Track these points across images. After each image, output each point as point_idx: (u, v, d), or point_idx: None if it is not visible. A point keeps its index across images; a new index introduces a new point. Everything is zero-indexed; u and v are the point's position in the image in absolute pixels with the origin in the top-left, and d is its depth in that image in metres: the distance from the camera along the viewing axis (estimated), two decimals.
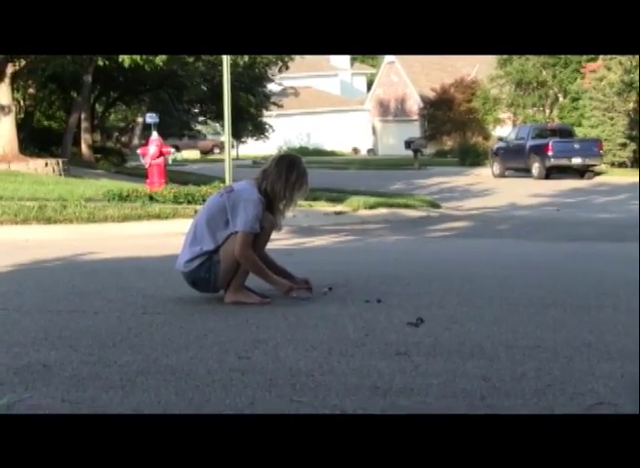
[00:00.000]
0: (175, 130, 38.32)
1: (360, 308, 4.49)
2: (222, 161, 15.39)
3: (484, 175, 28.19)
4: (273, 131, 39.43)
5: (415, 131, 44.88)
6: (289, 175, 4.65)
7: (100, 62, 22.82)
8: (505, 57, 35.72)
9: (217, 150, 51.75)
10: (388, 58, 47.82)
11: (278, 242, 7.97)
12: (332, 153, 48.91)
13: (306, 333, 3.90)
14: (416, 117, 47.23)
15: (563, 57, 34.50)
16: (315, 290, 4.91)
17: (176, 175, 19.15)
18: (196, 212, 9.78)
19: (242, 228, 4.50)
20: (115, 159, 30.16)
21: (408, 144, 33.81)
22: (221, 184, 13.00)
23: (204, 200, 11.18)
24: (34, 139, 26.12)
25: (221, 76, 14.34)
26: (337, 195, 15.90)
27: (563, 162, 25.98)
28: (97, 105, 32.42)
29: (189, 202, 12.69)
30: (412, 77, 46.85)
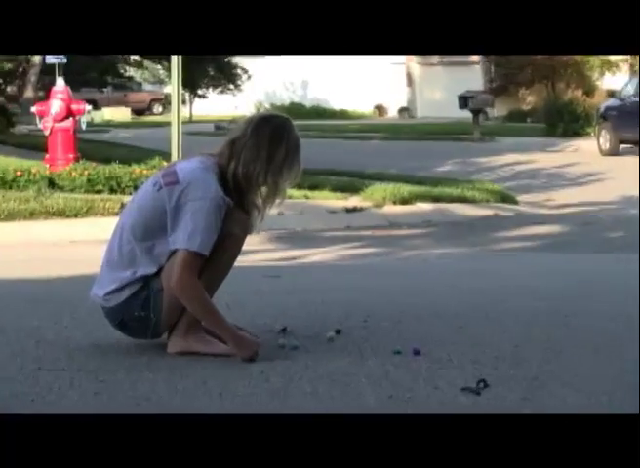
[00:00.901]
0: (93, 76, 38.45)
1: (387, 364, 4.49)
2: (167, 125, 15.41)
3: (585, 151, 28.25)
4: (248, 78, 39.63)
5: (475, 81, 44.98)
6: (274, 149, 4.65)
7: None
8: None
9: (158, 108, 51.93)
10: None
11: (255, 255, 7.97)
12: (342, 114, 49.07)
13: (300, 405, 3.90)
14: (476, 59, 47.33)
15: None
16: (315, 333, 4.90)
17: (92, 148, 19.18)
18: (123, 206, 9.82)
19: (185, 246, 4.49)
20: None
21: (464, 101, 33.87)
22: (164, 163, 13.01)
23: (136, 188, 11.21)
24: None
25: None
26: (349, 181, 15.97)
27: None
28: None
29: (113, 190, 12.76)
30: None
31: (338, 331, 5.02)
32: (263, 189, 4.71)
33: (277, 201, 4.79)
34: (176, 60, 13.45)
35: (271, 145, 4.65)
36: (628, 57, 40.11)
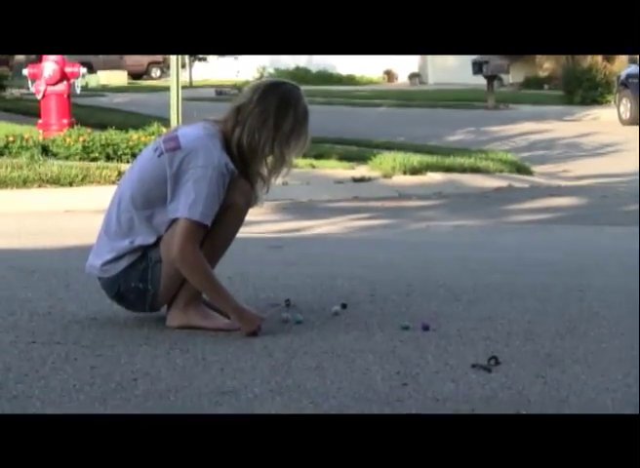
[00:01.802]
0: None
1: (394, 339, 4.52)
2: (166, 90, 15.40)
3: (605, 121, 28.18)
4: None
5: None
6: (281, 118, 4.63)
7: None
8: None
9: (156, 72, 51.79)
10: None
11: (259, 226, 8.00)
12: (349, 80, 48.93)
13: (304, 381, 3.92)
14: None
15: None
16: (320, 307, 4.93)
17: (87, 113, 19.18)
18: (120, 174, 9.82)
19: (186, 215, 4.50)
20: None
21: (478, 67, 33.77)
22: (164, 129, 13.01)
23: (134, 155, 11.24)
24: None
25: None
26: (357, 150, 15.98)
27: None
28: None
29: (109, 158, 12.77)
30: None
31: (344, 306, 5.04)
32: (269, 159, 4.70)
33: (283, 171, 4.78)
34: None
35: (279, 113, 4.63)
36: None
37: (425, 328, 4.69)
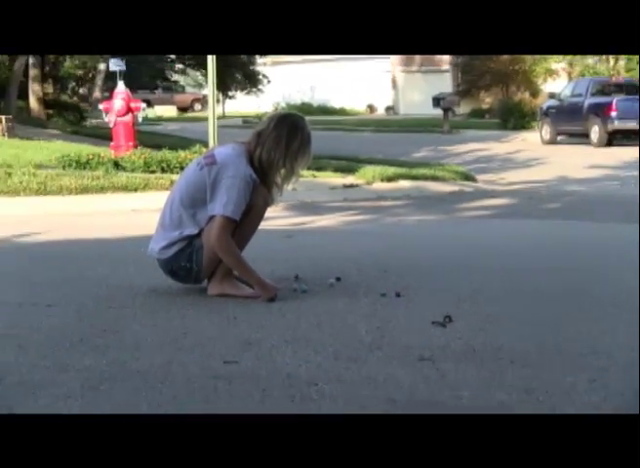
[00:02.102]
0: (146, 80, 38.30)
1: (375, 304, 4.53)
2: (205, 120, 15.39)
3: (531, 141, 28.13)
4: (269, 82, 39.40)
5: (445, 85, 44.74)
6: (291, 140, 4.64)
7: None
8: None
9: (198, 106, 51.67)
10: None
11: (274, 221, 8.01)
12: (341, 111, 48.81)
13: (308, 334, 3.93)
14: (447, 68, 47.05)
15: None
16: (320, 280, 4.94)
17: (147, 137, 19.16)
18: (172, 183, 9.85)
19: (221, 212, 4.52)
20: (72, 116, 30.15)
21: (437, 101, 33.72)
22: (204, 149, 13.01)
23: (182, 168, 11.24)
24: None
25: None
26: (347, 164, 15.93)
27: (629, 125, 25.81)
28: None
29: (164, 170, 12.74)
30: None
31: (337, 279, 5.05)
32: (282, 171, 4.71)
33: (293, 180, 4.79)
34: (211, 68, 13.43)
35: (289, 137, 4.65)
36: (565, 65, 39.85)
37: (398, 294, 4.70)
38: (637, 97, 26.85)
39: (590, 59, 37.70)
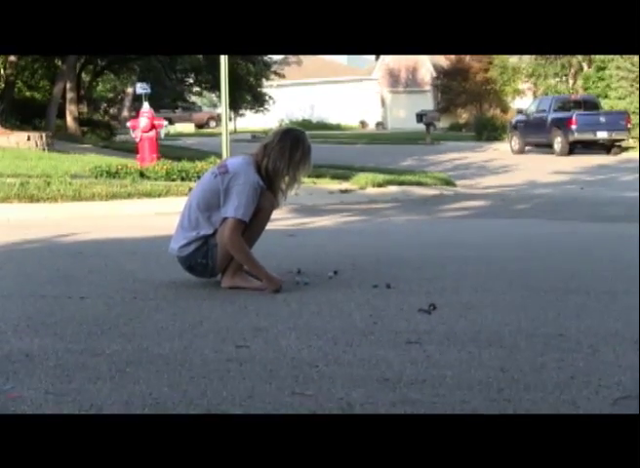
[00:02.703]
0: (167, 101, 38.28)
1: (368, 294, 4.49)
2: (219, 135, 15.37)
3: (502, 151, 28.14)
4: (274, 102, 39.38)
5: (427, 103, 44.76)
6: (293, 152, 4.62)
7: None
8: None
9: (213, 123, 51.70)
10: None
11: (279, 222, 7.98)
12: (337, 127, 48.82)
13: (310, 321, 3.90)
14: (428, 88, 47.07)
15: None
16: (320, 274, 4.91)
17: (168, 150, 19.13)
18: (190, 189, 9.81)
19: (233, 215, 4.49)
20: (103, 132, 30.14)
21: (420, 117, 33.73)
22: (218, 160, 12.97)
23: (199, 177, 11.17)
24: (16, 111, 26.09)
25: None
26: (342, 172, 15.89)
27: (588, 136, 25.88)
28: (83, 74, 32.37)
29: (183, 179, 12.70)
30: None
31: (335, 272, 5.02)
32: (286, 178, 4.68)
33: (295, 187, 4.77)
34: (224, 90, 13.40)
35: (292, 149, 4.62)
36: (531, 85, 39.87)
37: (388, 286, 4.67)
38: (594, 112, 26.91)
39: (552, 80, 37.70)
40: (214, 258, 4.60)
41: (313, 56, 53.39)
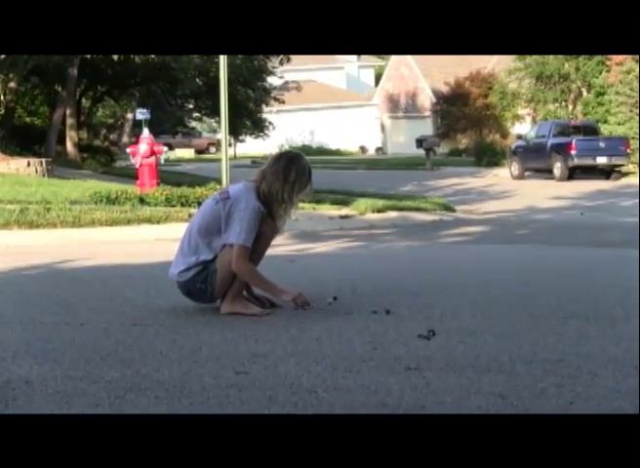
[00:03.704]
0: (167, 127, 38.40)
1: (367, 320, 4.49)
2: (219, 161, 15.41)
3: (502, 176, 28.18)
4: (274, 128, 39.48)
5: (427, 128, 44.89)
6: (287, 173, 4.63)
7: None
8: None
9: (213, 149, 51.81)
10: None
11: (279, 248, 7.99)
12: (337, 152, 48.94)
13: (309, 347, 3.90)
14: (428, 113, 47.22)
15: None
16: (319, 299, 4.91)
17: (168, 176, 19.17)
18: (190, 215, 9.84)
19: (236, 241, 4.52)
20: (103, 158, 30.22)
21: (419, 143, 33.82)
22: (218, 186, 13.03)
23: (199, 203, 11.21)
24: (15, 137, 26.18)
25: (218, 69, 14.37)
26: (342, 197, 15.91)
27: (587, 162, 25.95)
28: (83, 100, 32.49)
29: (183, 205, 12.72)
30: (424, 70, 46.89)
31: (334, 298, 5.00)
32: (283, 202, 4.67)
33: (294, 211, 4.78)
34: (224, 116, 13.45)
35: (285, 171, 4.64)
36: (530, 111, 40.00)
37: (387, 312, 4.65)
38: (594, 137, 27.00)
39: (552, 105, 37.83)
40: (213, 284, 4.61)
41: (313, 82, 53.65)
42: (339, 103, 53.05)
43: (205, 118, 41.16)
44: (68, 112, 27.67)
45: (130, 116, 36.94)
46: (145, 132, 14.27)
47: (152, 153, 14.16)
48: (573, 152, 25.77)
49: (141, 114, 14.75)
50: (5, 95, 27.87)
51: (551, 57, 36.01)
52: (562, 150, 26.07)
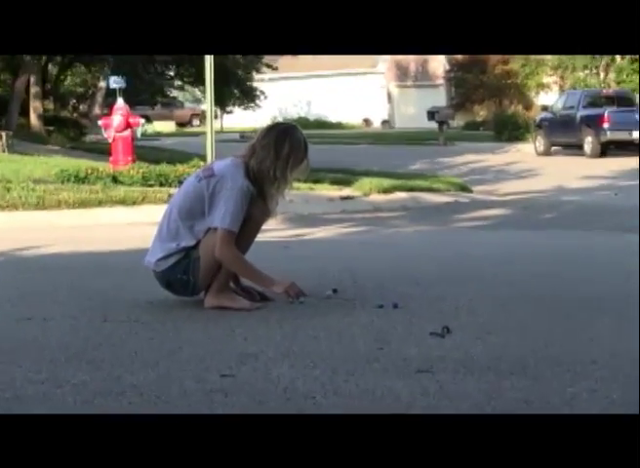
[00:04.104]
0: (145, 96, 38.33)
1: (372, 315, 4.47)
2: (203, 134, 15.38)
3: (525, 153, 28.20)
4: (265, 98, 39.47)
5: (440, 98, 44.88)
6: (279, 147, 4.60)
7: None
8: None
9: (196, 121, 51.81)
10: None
11: (272, 233, 7.96)
12: (338, 125, 48.93)
13: (306, 346, 3.88)
14: (441, 82, 47.24)
15: None
16: (317, 292, 4.89)
17: (146, 152, 19.15)
18: (170, 196, 9.80)
19: (220, 225, 4.50)
20: (71, 132, 30.18)
21: (431, 115, 33.80)
22: (202, 163, 13.01)
23: (180, 182, 11.19)
24: None
25: None
26: (344, 176, 15.92)
27: (622, 136, 25.93)
28: (49, 66, 32.43)
29: (162, 184, 12.73)
30: None
31: (334, 290, 4.99)
32: (276, 181, 4.63)
33: (287, 190, 4.75)
34: (209, 84, 13.41)
35: (277, 144, 4.61)
36: (557, 79, 40.02)
37: (395, 306, 4.64)
38: (629, 108, 26.94)
39: (581, 73, 37.82)
40: (195, 274, 4.58)
41: None
42: (339, 71, 52.95)
43: (188, 87, 41.10)
44: (32, 80, 27.64)
45: (102, 84, 36.79)
46: (120, 102, 14.25)
47: (127, 126, 14.14)
48: (605, 125, 25.75)
49: (115, 82, 14.75)
50: None
51: None
52: (593, 123, 26.06)
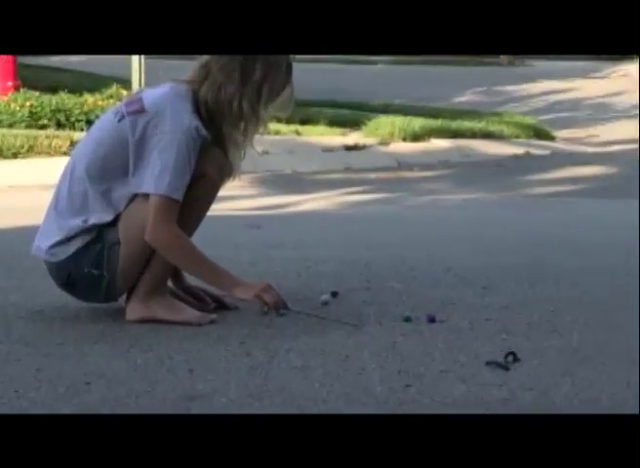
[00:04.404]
0: None
1: (394, 333, 4.50)
2: None
3: (636, 78, 28.22)
4: None
5: None
6: (247, 68, 4.62)
7: None
8: None
9: None
10: None
11: (235, 202, 7.97)
12: None
13: (287, 382, 3.90)
14: None
15: None
16: (306, 298, 4.90)
17: (36, 74, 19.13)
18: (73, 144, 9.77)
19: (154, 190, 4.50)
20: None
21: None
22: (124, 91, 12.99)
23: (89, 122, 11.20)
24: None
25: None
26: (350, 114, 15.97)
27: None
28: None
29: (60, 125, 12.75)
30: None
31: (334, 294, 5.03)
32: (241, 120, 4.66)
33: (258, 135, 4.76)
34: None
35: (246, 63, 4.61)
36: None
37: (431, 319, 4.67)
38: None
39: None
40: (112, 267, 4.59)
41: None
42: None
43: None
44: None
45: None
46: None
47: None
48: None
49: None
50: None
51: None
52: None
